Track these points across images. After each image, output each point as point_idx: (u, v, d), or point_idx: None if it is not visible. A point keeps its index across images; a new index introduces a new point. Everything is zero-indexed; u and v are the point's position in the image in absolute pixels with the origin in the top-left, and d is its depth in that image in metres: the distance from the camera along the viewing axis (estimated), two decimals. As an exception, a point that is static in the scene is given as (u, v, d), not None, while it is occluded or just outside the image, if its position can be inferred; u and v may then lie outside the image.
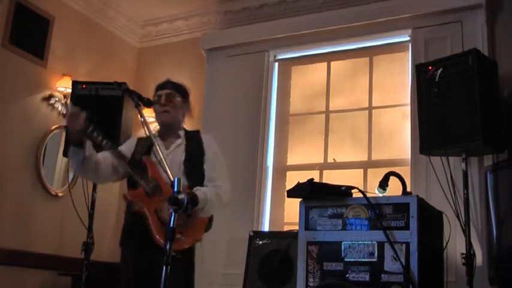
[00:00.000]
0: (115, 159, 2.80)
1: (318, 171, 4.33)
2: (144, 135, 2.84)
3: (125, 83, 2.82)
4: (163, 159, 2.39)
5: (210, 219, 2.88)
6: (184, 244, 2.70)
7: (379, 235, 2.59)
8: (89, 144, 2.76)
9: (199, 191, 2.73)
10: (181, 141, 2.95)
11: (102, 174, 2.86)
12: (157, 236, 2.65)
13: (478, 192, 3.58)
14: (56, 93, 4.48)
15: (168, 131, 2.98)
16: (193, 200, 2.63)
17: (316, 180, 2.91)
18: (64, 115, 2.61)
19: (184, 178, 2.74)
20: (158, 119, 3.00)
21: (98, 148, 2.82)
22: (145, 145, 2.88)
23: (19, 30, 4.26)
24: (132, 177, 2.80)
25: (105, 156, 2.85)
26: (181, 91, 3.03)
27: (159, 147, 2.51)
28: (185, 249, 2.71)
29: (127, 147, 2.99)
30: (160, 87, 3.01)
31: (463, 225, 3.27)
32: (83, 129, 2.65)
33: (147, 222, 2.68)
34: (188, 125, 3.16)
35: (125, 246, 2.86)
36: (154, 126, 4.73)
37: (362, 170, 4.23)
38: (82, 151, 2.71)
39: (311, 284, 2.72)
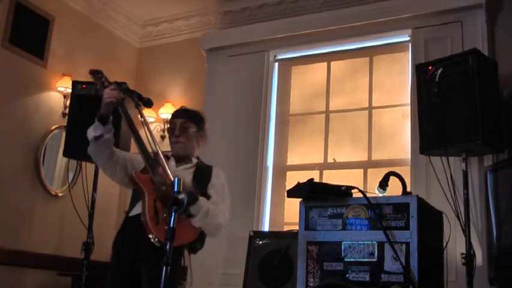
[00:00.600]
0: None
1: (318, 171, 4.33)
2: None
3: (125, 83, 2.82)
4: (164, 163, 2.38)
5: (202, 238, 2.79)
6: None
7: (379, 235, 2.59)
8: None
9: (203, 198, 2.73)
10: (191, 166, 2.94)
11: (111, 162, 2.84)
12: (148, 222, 2.58)
13: (478, 192, 3.58)
14: (56, 93, 4.50)
15: (181, 158, 2.96)
16: (193, 195, 2.61)
17: (316, 180, 2.91)
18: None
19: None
20: (172, 148, 2.98)
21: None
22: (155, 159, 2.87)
23: (19, 30, 4.26)
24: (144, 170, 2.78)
25: (122, 153, 2.87)
26: (196, 119, 3.00)
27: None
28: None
29: (137, 158, 2.96)
30: (175, 115, 3.00)
31: (463, 225, 3.27)
32: (114, 102, 2.67)
33: (143, 204, 2.63)
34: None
35: (114, 244, 2.84)
36: (155, 127, 4.78)
37: (362, 170, 4.23)
38: (103, 128, 2.71)
39: (311, 284, 2.72)
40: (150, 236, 2.54)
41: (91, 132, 2.76)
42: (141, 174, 2.75)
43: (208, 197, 2.81)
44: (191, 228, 2.68)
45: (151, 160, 2.72)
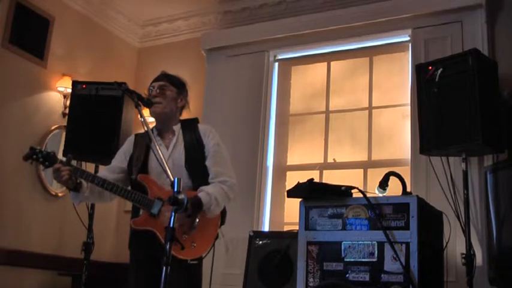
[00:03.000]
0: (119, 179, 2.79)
1: (318, 171, 4.33)
2: (142, 131, 2.80)
3: (124, 83, 2.81)
4: (164, 163, 2.35)
5: (223, 215, 2.82)
6: (199, 251, 2.69)
7: (379, 235, 2.60)
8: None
9: (202, 192, 2.66)
10: (177, 136, 2.84)
11: (106, 199, 2.85)
12: (178, 255, 2.56)
13: (478, 192, 3.58)
14: (56, 93, 4.50)
15: (162, 124, 2.87)
16: (197, 203, 2.58)
17: (316, 180, 2.91)
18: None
19: (188, 180, 2.70)
20: (150, 113, 2.86)
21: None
22: (144, 145, 2.80)
23: (19, 30, 4.26)
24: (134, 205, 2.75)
25: (105, 177, 2.78)
26: (175, 82, 2.92)
27: (159, 148, 2.46)
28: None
29: (125, 151, 2.90)
30: (154, 79, 2.93)
31: (463, 225, 3.27)
32: (68, 181, 2.62)
33: (160, 241, 2.60)
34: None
35: (131, 249, 2.81)
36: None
37: (362, 170, 4.23)
38: (79, 194, 2.70)
39: (311, 284, 2.72)
40: (189, 262, 2.62)
41: (75, 199, 2.77)
42: (138, 220, 2.70)
43: (207, 173, 2.77)
44: (211, 224, 2.72)
45: (135, 195, 2.67)
